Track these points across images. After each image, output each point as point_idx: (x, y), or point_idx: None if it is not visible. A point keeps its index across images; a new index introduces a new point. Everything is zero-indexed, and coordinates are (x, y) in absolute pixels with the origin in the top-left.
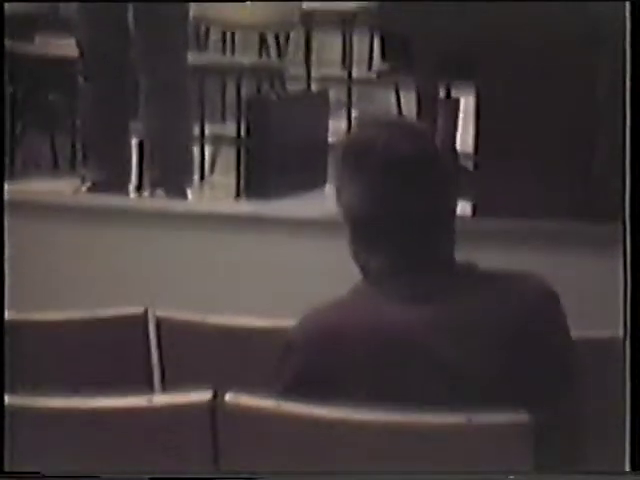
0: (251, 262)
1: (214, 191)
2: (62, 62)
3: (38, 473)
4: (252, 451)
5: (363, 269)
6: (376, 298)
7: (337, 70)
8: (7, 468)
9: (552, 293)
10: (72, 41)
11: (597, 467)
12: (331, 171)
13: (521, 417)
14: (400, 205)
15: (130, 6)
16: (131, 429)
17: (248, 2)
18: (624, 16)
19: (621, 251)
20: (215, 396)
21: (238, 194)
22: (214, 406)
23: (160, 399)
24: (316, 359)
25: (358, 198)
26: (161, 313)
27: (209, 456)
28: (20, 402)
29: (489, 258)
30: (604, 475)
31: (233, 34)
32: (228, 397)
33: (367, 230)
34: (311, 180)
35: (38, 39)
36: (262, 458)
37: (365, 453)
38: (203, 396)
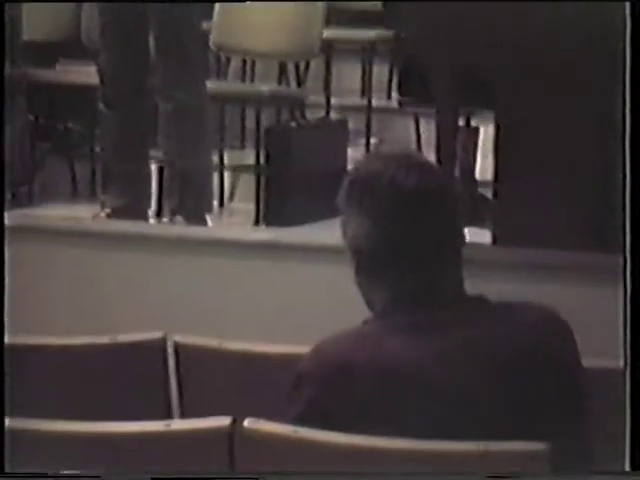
0: (269, 288)
1: (233, 218)
2: (83, 89)
3: (38, 473)
4: (270, 477)
5: (368, 301)
6: (383, 330)
7: (357, 99)
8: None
9: (563, 323)
10: (93, 68)
11: (597, 467)
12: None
13: (537, 445)
14: (405, 239)
15: (151, 33)
16: (149, 454)
17: (269, 31)
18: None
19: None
20: (234, 422)
21: (257, 221)
22: (233, 432)
23: (179, 424)
24: (326, 391)
25: (363, 230)
26: (179, 339)
27: None
28: (36, 426)
29: (508, 286)
30: (604, 475)
31: (253, 62)
32: (247, 423)
33: (371, 263)
34: (330, 208)
35: (59, 66)
36: None
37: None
38: (222, 422)
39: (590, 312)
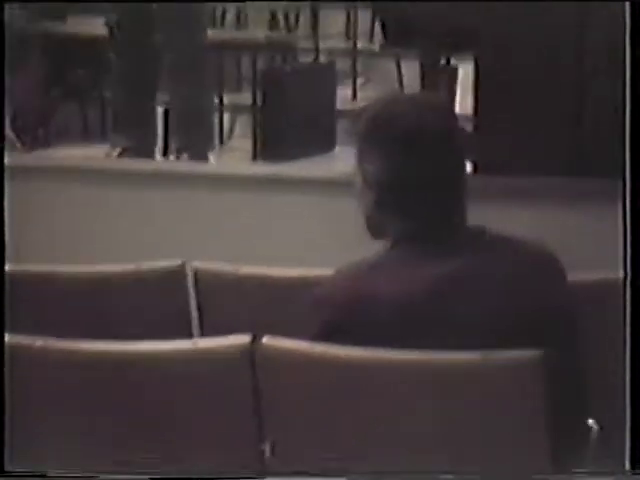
0: (268, 219)
1: (233, 155)
2: (91, 40)
3: (38, 473)
4: (287, 388)
5: (379, 232)
6: (397, 259)
7: (342, 43)
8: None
9: (552, 255)
10: (99, 21)
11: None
12: (354, 143)
13: (532, 353)
14: (420, 173)
15: None
16: (174, 374)
17: None
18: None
19: (616, 205)
20: (254, 339)
21: (255, 157)
22: (253, 348)
23: (204, 342)
24: (343, 315)
25: (381, 167)
26: (199, 265)
27: (249, 394)
28: (64, 346)
29: (489, 213)
30: (604, 475)
31: (246, 15)
32: (265, 339)
33: (389, 195)
34: (321, 143)
35: (70, 19)
36: (295, 393)
37: (388, 390)
38: (243, 339)
39: (571, 234)
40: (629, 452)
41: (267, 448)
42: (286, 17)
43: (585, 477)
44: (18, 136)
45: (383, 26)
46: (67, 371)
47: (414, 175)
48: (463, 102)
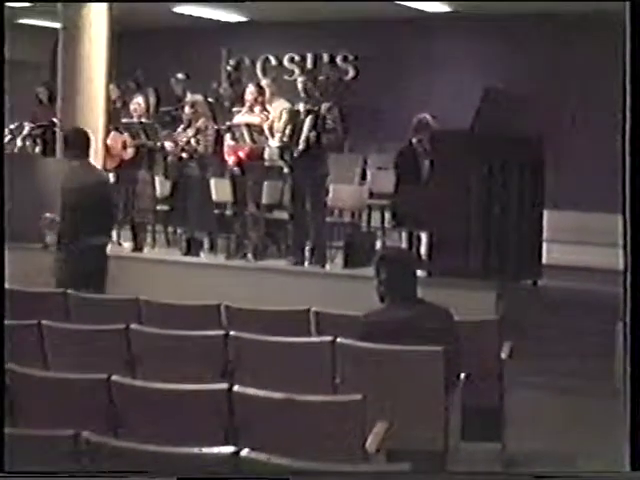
0: (347, 293)
1: (335, 265)
2: (282, 221)
3: (38, 473)
4: (348, 355)
5: (382, 298)
6: (388, 309)
7: (378, 223)
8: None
9: (449, 313)
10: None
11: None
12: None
13: (438, 348)
14: (401, 277)
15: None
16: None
17: (349, 200)
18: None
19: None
20: (335, 339)
21: (345, 265)
22: (334, 343)
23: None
24: (369, 330)
25: (385, 276)
26: (317, 309)
27: (330, 354)
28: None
29: (431, 291)
30: (604, 475)
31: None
32: (338, 339)
33: (390, 286)
34: (369, 261)
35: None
36: (351, 357)
37: (376, 365)
38: (327, 339)
39: (462, 302)
40: (629, 452)
41: (338, 380)
42: (359, 212)
43: (585, 477)
44: (246, 254)
45: (396, 219)
46: None
47: (401, 277)
48: (425, 249)
